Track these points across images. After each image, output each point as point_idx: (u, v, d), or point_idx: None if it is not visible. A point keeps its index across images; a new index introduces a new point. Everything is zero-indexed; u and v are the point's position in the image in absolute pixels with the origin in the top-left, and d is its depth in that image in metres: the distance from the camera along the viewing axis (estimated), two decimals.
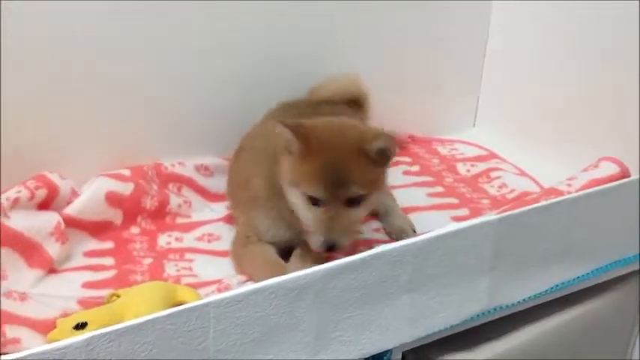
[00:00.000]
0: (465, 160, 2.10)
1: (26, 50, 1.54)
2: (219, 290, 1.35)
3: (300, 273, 1.06)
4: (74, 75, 1.62)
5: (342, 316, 1.13)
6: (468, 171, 2.02)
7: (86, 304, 1.28)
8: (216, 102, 1.81)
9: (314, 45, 1.93)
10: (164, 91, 1.76)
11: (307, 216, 1.39)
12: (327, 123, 1.44)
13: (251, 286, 1.03)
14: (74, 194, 1.58)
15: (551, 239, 1.35)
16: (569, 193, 1.47)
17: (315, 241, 1.38)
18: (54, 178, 1.55)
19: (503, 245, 1.27)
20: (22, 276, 1.39)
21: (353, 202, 1.38)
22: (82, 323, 1.13)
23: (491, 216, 1.25)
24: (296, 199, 1.40)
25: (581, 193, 1.38)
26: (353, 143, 1.37)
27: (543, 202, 1.32)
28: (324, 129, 1.40)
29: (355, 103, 1.83)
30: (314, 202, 1.37)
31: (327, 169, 1.35)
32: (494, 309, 1.32)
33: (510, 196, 1.86)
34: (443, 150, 2.17)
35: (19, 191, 1.46)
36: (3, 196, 1.44)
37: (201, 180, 1.79)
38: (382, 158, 1.39)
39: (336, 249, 1.37)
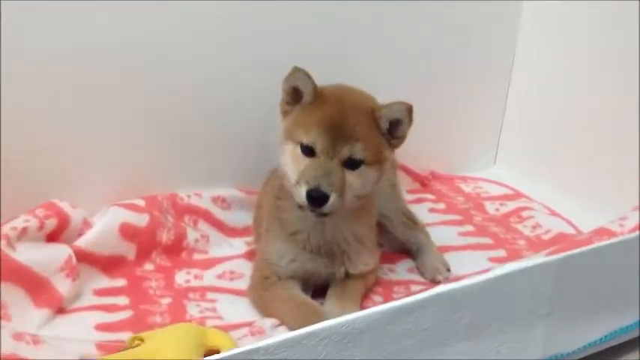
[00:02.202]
0: (491, 198, 2.01)
1: (38, 76, 1.45)
2: (253, 334, 1.23)
3: (357, 315, 0.96)
4: (86, 99, 1.53)
5: None
6: (497, 210, 1.94)
7: (106, 348, 1.15)
8: (234, 131, 1.71)
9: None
10: (180, 118, 1.66)
11: (296, 168, 1.27)
12: (340, 85, 1.37)
13: (302, 330, 0.92)
14: (86, 225, 1.46)
15: (607, 282, 1.25)
16: (622, 233, 1.38)
17: (299, 193, 1.24)
18: (64, 206, 1.42)
19: (560, 288, 1.18)
20: (28, 316, 1.25)
21: (350, 164, 1.27)
22: None
23: (551, 256, 1.16)
24: (288, 153, 1.29)
25: (636, 233, 1.28)
26: (368, 106, 1.31)
27: (602, 243, 1.23)
28: (337, 89, 1.34)
29: None
30: (308, 153, 1.26)
31: (334, 119, 1.26)
32: (549, 359, 1.21)
33: (546, 237, 1.77)
34: (466, 188, 2.09)
35: (27, 220, 1.33)
36: (8, 225, 1.31)
37: (218, 213, 1.67)
38: (393, 131, 1.32)
39: (323, 205, 1.22)
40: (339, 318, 0.95)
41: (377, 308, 0.97)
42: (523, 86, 2.16)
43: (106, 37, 1.50)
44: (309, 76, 1.28)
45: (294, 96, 1.32)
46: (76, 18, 1.46)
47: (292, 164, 1.28)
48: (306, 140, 1.26)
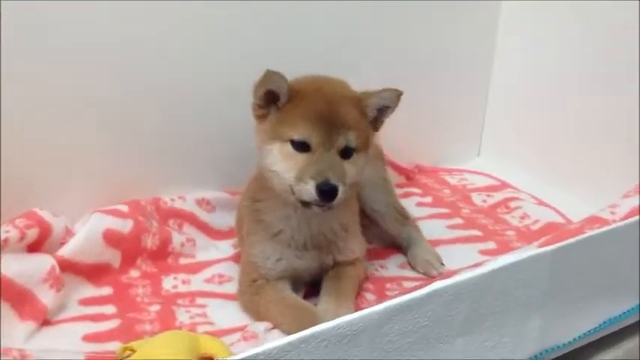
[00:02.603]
0: (477, 190, 2.01)
1: (24, 85, 1.41)
2: (245, 339, 1.20)
3: (355, 315, 0.94)
4: (64, 104, 1.49)
5: None
6: (484, 201, 1.93)
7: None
8: (217, 132, 1.68)
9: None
10: (161, 119, 1.62)
11: (293, 165, 1.24)
12: (311, 77, 1.34)
13: (300, 333, 0.89)
14: (68, 233, 1.42)
15: (601, 271, 1.25)
16: (614, 221, 1.37)
17: (307, 190, 1.21)
18: (45, 215, 1.38)
19: (556, 279, 1.17)
20: (13, 330, 1.21)
21: (345, 153, 1.26)
22: None
23: (546, 247, 1.14)
24: (276, 153, 1.26)
25: (629, 220, 1.27)
26: (352, 94, 1.31)
27: (596, 231, 1.22)
28: (311, 82, 1.32)
29: None
30: (301, 149, 1.24)
31: (324, 112, 1.25)
32: (546, 351, 1.21)
33: (535, 227, 1.77)
34: (452, 180, 2.08)
35: (7, 231, 1.29)
36: None
37: (203, 216, 1.65)
38: (380, 116, 1.34)
39: (335, 199, 1.21)
40: (337, 320, 0.92)
41: (374, 308, 0.95)
42: (504, 77, 2.16)
43: (89, 41, 1.47)
44: (283, 77, 1.25)
45: (268, 98, 1.28)
46: (65, 18, 1.43)
47: (284, 162, 1.25)
48: (297, 136, 1.24)
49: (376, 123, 1.35)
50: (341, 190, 1.21)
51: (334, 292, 1.36)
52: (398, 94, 1.31)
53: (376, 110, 1.32)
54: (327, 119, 1.24)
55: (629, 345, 1.40)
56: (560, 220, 1.79)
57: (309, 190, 1.21)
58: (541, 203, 1.90)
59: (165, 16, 1.55)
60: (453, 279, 1.03)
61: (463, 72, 2.14)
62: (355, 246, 1.43)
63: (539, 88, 2.03)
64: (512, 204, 1.89)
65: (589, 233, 1.20)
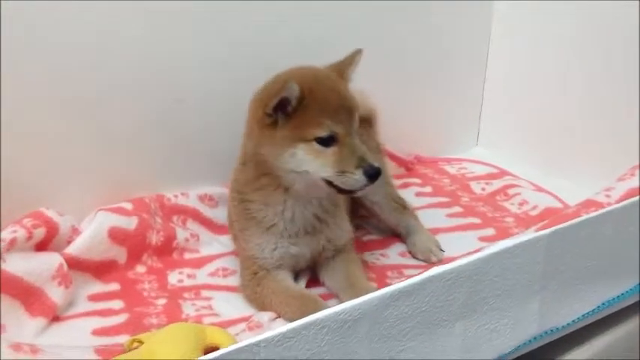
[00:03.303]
0: (476, 178, 2.03)
1: (24, 84, 1.44)
2: (251, 329, 1.23)
3: (354, 302, 0.96)
4: (67, 103, 1.51)
5: (397, 349, 1.02)
6: (483, 189, 1.95)
7: (104, 353, 1.15)
8: (219, 128, 1.70)
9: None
10: (162, 117, 1.65)
11: (325, 161, 1.28)
12: (299, 69, 1.37)
13: (301, 320, 0.92)
14: (75, 232, 1.45)
15: (597, 253, 1.27)
16: (609, 204, 1.39)
17: (356, 179, 1.27)
18: (52, 215, 1.41)
19: (553, 262, 1.19)
20: (24, 326, 1.24)
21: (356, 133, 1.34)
22: None
23: (542, 231, 1.16)
24: (303, 153, 1.29)
25: (624, 203, 1.29)
26: (337, 75, 1.37)
27: (592, 214, 1.24)
28: (305, 74, 1.35)
29: (365, 122, 1.73)
30: (328, 143, 1.28)
31: (337, 103, 1.30)
32: (545, 332, 1.23)
33: (533, 212, 1.79)
34: (451, 169, 2.11)
35: (14, 231, 1.32)
36: None
37: (206, 211, 1.68)
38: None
39: (379, 176, 1.28)
40: (337, 306, 0.94)
41: (373, 294, 0.97)
42: (500, 66, 2.18)
43: (94, 40, 1.50)
44: (297, 85, 1.27)
45: (280, 107, 1.29)
46: (66, 16, 1.46)
47: (315, 161, 1.28)
48: (324, 132, 1.27)
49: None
50: (379, 165, 1.29)
51: (352, 279, 1.40)
52: (360, 51, 1.40)
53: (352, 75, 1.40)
54: (344, 109, 1.30)
55: (629, 326, 1.42)
56: (559, 205, 1.81)
57: (357, 178, 1.27)
58: (539, 189, 1.92)
59: (166, 11, 1.57)
60: (451, 264, 1.05)
61: (459, 63, 2.16)
62: (343, 226, 1.48)
63: (535, 77, 2.05)
64: (511, 191, 1.91)
65: (584, 217, 1.22)
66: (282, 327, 0.91)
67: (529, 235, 1.15)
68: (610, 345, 1.38)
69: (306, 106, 1.28)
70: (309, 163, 1.28)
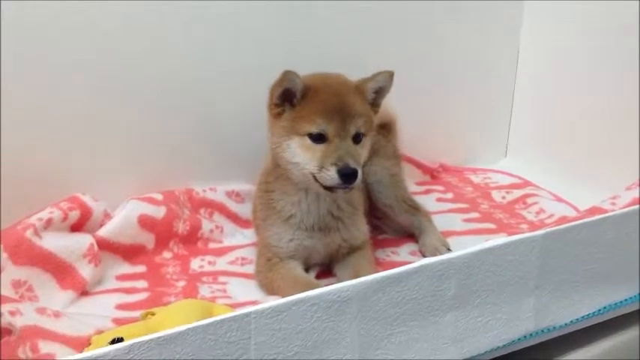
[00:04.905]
0: (498, 187, 2.07)
1: (62, 76, 1.56)
2: None
3: (343, 284, 1.02)
4: (109, 100, 1.64)
5: (386, 332, 1.08)
6: (504, 198, 1.99)
7: (121, 322, 1.26)
8: (247, 128, 1.78)
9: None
10: (195, 117, 1.76)
11: (313, 156, 1.36)
12: (316, 74, 1.45)
13: (292, 297, 0.99)
14: (107, 216, 1.57)
15: (597, 258, 1.30)
16: (613, 211, 1.42)
17: (330, 175, 1.34)
18: (87, 200, 1.54)
19: (549, 263, 1.23)
20: (54, 297, 1.36)
21: (356, 139, 1.39)
22: (118, 338, 1.09)
23: (535, 232, 1.21)
24: (296, 146, 1.38)
25: (625, 210, 1.32)
26: (352, 84, 1.43)
27: (588, 219, 1.27)
28: (318, 78, 1.43)
29: (383, 128, 1.82)
30: (319, 140, 1.36)
31: (335, 105, 1.37)
32: (542, 330, 1.26)
33: (549, 221, 1.81)
34: (476, 179, 2.15)
35: (51, 212, 1.45)
36: (35, 216, 1.42)
37: (232, 206, 1.78)
38: (377, 99, 1.46)
39: (355, 180, 1.33)
40: (328, 287, 1.01)
41: (363, 278, 1.04)
42: (529, 78, 2.20)
43: (119, 34, 1.61)
44: (299, 76, 1.38)
45: (285, 97, 1.40)
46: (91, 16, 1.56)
47: (304, 154, 1.38)
48: (315, 129, 1.36)
49: (375, 106, 1.47)
50: (360, 172, 1.34)
51: (356, 276, 1.44)
52: (390, 74, 1.44)
53: (374, 93, 1.45)
54: (339, 111, 1.37)
55: (630, 333, 1.43)
56: (575, 214, 1.81)
57: (331, 175, 1.33)
58: (559, 200, 1.94)
59: (195, 13, 1.67)
60: (440, 257, 1.11)
61: (488, 75, 2.20)
62: (360, 226, 1.55)
63: (565, 89, 2.07)
64: (530, 200, 1.94)
65: (580, 221, 1.25)
66: (274, 301, 0.98)
67: (523, 234, 1.19)
68: (610, 349, 1.39)
69: (307, 102, 1.38)
70: (300, 155, 1.38)
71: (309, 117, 1.37)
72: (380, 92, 1.45)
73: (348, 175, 1.33)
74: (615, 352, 1.41)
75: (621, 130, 1.89)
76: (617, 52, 1.88)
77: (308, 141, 1.37)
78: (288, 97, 1.40)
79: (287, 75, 1.37)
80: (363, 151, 1.41)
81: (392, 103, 1.81)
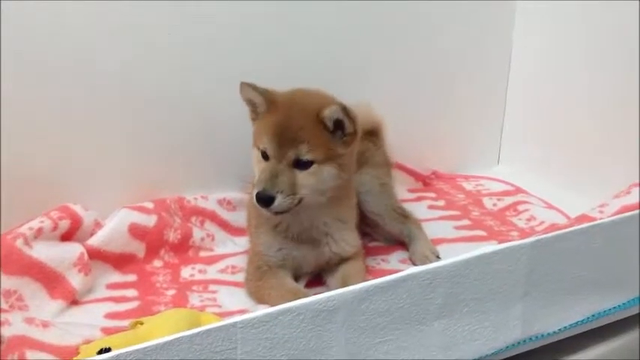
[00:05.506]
0: (490, 194, 2.08)
1: (50, 84, 1.57)
2: None
3: (329, 294, 1.03)
4: (99, 108, 1.64)
5: (374, 341, 1.08)
6: (495, 205, 2.00)
7: (110, 332, 1.26)
8: (239, 137, 1.75)
9: (335, 82, 1.89)
10: (186, 125, 1.77)
11: (258, 170, 1.40)
12: (297, 90, 1.46)
13: (278, 306, 1.00)
14: (97, 225, 1.57)
15: (586, 266, 1.30)
16: (601, 219, 1.43)
17: (253, 195, 1.36)
18: (77, 209, 1.54)
19: (537, 270, 1.23)
20: (44, 307, 1.37)
21: (300, 164, 1.36)
22: (105, 349, 1.09)
23: (524, 240, 1.21)
24: (254, 158, 1.42)
25: (614, 218, 1.33)
26: (312, 109, 1.38)
27: (576, 227, 1.28)
28: (290, 95, 1.44)
29: (370, 134, 1.81)
30: (265, 158, 1.38)
31: (280, 126, 1.36)
32: (530, 338, 1.26)
33: (539, 228, 1.82)
34: (468, 186, 2.16)
35: (42, 221, 1.45)
36: (25, 226, 1.43)
37: (224, 214, 1.78)
38: (338, 129, 1.39)
39: (272, 206, 1.33)
40: (314, 297, 1.02)
41: (350, 287, 1.04)
42: (521, 85, 2.21)
43: (114, 41, 1.61)
44: (255, 89, 1.40)
45: (253, 107, 1.44)
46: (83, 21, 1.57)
47: (255, 168, 1.42)
48: (262, 146, 1.39)
49: (344, 136, 1.41)
50: (279, 198, 1.33)
51: (344, 284, 1.44)
52: (341, 108, 1.37)
53: (333, 123, 1.38)
54: (281, 133, 1.36)
55: (625, 339, 1.43)
56: (565, 221, 1.81)
57: (253, 195, 1.36)
58: (550, 207, 1.95)
59: (192, 18, 1.68)
60: (428, 265, 1.11)
61: (480, 82, 2.20)
62: (351, 239, 1.54)
63: (558, 96, 2.07)
64: (521, 207, 1.95)
65: (568, 229, 1.25)
66: (260, 310, 0.99)
67: (511, 242, 1.19)
68: (599, 357, 1.40)
69: (265, 117, 1.41)
70: (255, 167, 1.42)
71: (260, 132, 1.40)
72: (339, 123, 1.39)
73: (261, 200, 1.33)
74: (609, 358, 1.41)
75: (615, 137, 1.90)
76: (612, 56, 1.88)
77: (259, 155, 1.40)
78: (254, 108, 1.44)
79: (241, 87, 1.41)
80: (310, 178, 1.37)
81: (377, 109, 1.83)
